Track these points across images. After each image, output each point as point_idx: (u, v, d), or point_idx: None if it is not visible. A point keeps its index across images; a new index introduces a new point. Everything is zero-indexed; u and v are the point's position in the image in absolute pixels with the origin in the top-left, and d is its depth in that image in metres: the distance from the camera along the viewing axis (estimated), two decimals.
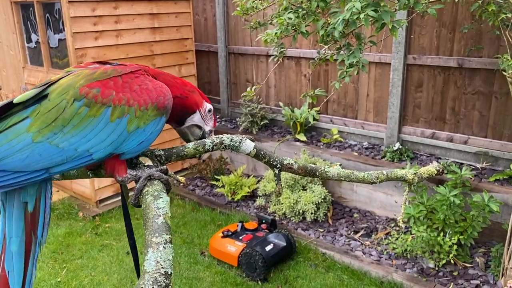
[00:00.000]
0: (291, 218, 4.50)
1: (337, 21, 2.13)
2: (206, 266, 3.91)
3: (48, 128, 0.94)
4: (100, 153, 0.99)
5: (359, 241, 4.15)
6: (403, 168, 4.14)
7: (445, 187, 3.64)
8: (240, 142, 1.18)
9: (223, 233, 4.03)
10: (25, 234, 0.97)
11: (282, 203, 4.48)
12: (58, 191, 5.23)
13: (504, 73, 3.28)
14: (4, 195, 0.98)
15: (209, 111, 1.28)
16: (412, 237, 3.88)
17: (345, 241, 4.17)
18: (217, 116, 6.46)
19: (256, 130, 5.62)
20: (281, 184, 1.23)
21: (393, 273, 3.66)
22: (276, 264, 3.84)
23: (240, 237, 3.97)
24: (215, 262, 3.95)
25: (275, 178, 1.20)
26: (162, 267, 0.83)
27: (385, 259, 3.87)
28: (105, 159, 1.03)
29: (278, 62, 2.94)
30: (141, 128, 1.03)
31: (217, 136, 1.24)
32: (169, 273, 0.82)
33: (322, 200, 4.41)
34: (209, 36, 6.40)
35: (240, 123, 5.74)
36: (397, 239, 3.97)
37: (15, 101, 0.97)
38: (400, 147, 4.63)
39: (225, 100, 6.35)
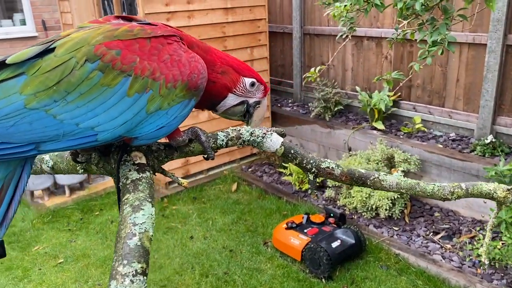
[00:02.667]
0: (363, 214, 4.16)
1: None
2: (268, 258, 3.74)
3: (47, 92, 0.75)
4: (107, 134, 0.79)
5: (438, 244, 3.71)
6: (495, 166, 3.62)
7: None
8: (263, 137, 0.94)
9: (287, 224, 3.82)
10: None
11: (353, 197, 4.16)
12: None
13: None
14: None
15: (252, 85, 1.02)
16: (502, 243, 3.38)
17: (422, 242, 3.76)
18: (290, 101, 6.21)
19: (329, 116, 5.29)
20: (316, 194, 0.96)
21: (477, 284, 3.22)
22: (342, 262, 3.56)
23: (305, 230, 3.73)
24: (278, 254, 3.76)
25: (309, 185, 0.94)
26: None
27: (468, 267, 3.42)
28: (111, 142, 0.84)
29: (347, 41, 2.61)
30: (164, 109, 0.83)
31: (234, 128, 1.00)
32: None
33: (399, 196, 4.02)
34: (284, 17, 6.12)
35: (313, 109, 5.44)
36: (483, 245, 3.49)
37: (8, 60, 0.78)
38: (494, 140, 4.05)
39: (298, 84, 6.06)
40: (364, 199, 4.08)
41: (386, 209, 4.01)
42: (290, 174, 4.85)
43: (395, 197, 4.01)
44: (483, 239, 3.54)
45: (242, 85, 1.02)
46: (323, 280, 3.43)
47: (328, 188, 4.49)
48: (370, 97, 4.97)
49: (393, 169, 4.01)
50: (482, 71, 4.15)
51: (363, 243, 3.66)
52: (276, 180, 5.00)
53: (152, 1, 4.35)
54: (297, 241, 3.65)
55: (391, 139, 4.53)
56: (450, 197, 0.90)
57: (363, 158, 4.35)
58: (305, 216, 3.88)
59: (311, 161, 0.94)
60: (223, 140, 0.98)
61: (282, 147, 0.93)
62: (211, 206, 4.57)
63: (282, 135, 1.01)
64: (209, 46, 1.01)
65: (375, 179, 0.93)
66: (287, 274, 3.53)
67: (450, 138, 4.45)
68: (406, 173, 4.32)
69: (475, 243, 3.58)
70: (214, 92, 0.98)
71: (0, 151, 0.74)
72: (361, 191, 4.11)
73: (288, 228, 3.79)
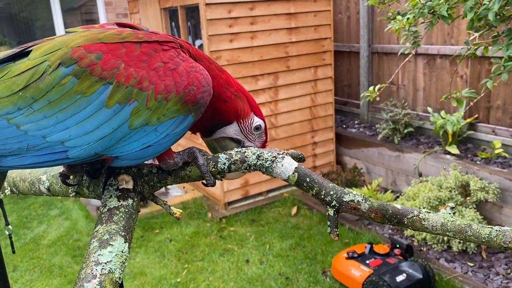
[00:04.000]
0: (433, 246, 3.80)
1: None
2: None
3: (11, 98, 0.65)
4: (80, 151, 0.68)
5: None
6: None
7: None
8: (272, 161, 0.78)
9: (348, 254, 3.58)
10: None
11: None
12: (193, 189, 5.39)
13: None
14: None
15: (257, 128, 0.91)
16: None
17: (502, 282, 3.34)
18: (356, 122, 5.97)
19: (398, 139, 4.98)
20: (336, 232, 0.78)
21: None
22: None
23: (367, 261, 3.47)
24: (337, 286, 3.53)
25: (329, 222, 0.77)
26: None
27: None
28: (88, 160, 0.73)
29: (417, 59, 2.40)
30: (152, 125, 0.72)
31: (238, 150, 0.86)
32: None
33: None
34: (352, 36, 5.94)
35: (380, 130, 5.16)
36: None
37: None
38: None
39: (365, 104, 5.81)
40: None
41: (460, 242, 3.63)
42: None
43: None
44: None
45: (249, 122, 0.91)
46: None
47: None
48: (443, 118, 4.61)
49: (441, 206, 3.63)
50: None
51: (432, 278, 3.32)
52: None
53: (215, 23, 4.40)
54: (358, 272, 3.39)
55: (467, 165, 4.14)
56: (510, 245, 0.70)
57: (435, 185, 4.00)
58: (368, 246, 3.62)
59: (331, 192, 0.77)
60: (224, 164, 0.84)
61: (296, 174, 0.78)
62: (269, 229, 4.44)
63: (300, 159, 0.85)
64: (226, 71, 0.91)
65: (414, 218, 0.75)
66: None
67: None
68: (482, 203, 3.91)
69: None
70: (223, 112, 0.86)
71: None
72: None
73: (349, 258, 3.55)
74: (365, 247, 3.62)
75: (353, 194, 0.78)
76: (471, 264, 3.57)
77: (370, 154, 5.20)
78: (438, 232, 0.75)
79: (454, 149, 4.40)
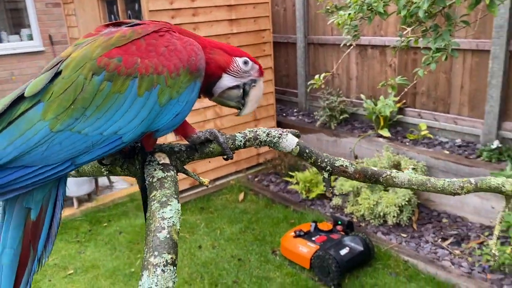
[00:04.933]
0: (370, 221, 4.16)
1: None
2: (276, 266, 3.74)
3: (67, 113, 0.78)
4: (130, 134, 0.83)
5: (447, 250, 3.71)
6: (502, 171, 3.62)
7: None
8: (279, 138, 0.96)
9: (295, 232, 3.83)
10: (22, 246, 0.81)
11: (361, 204, 4.16)
12: None
13: None
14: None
15: (245, 62, 1.04)
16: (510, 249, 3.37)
17: (431, 248, 3.75)
18: (295, 110, 6.25)
19: (335, 124, 5.32)
20: (331, 191, 0.98)
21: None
22: (351, 269, 3.55)
23: (313, 238, 3.74)
24: (286, 263, 3.76)
25: (324, 182, 0.96)
26: None
27: (478, 272, 3.41)
28: (138, 140, 0.89)
29: (352, 50, 2.65)
30: (175, 98, 0.87)
31: (250, 129, 1.03)
32: None
33: (406, 203, 4.02)
34: (288, 27, 6.19)
35: (318, 118, 5.47)
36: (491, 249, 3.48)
37: (26, 93, 0.80)
38: (500, 145, 4.06)
39: (303, 93, 6.11)
40: (372, 206, 4.09)
41: (394, 216, 4.01)
42: (297, 183, 4.86)
43: (403, 204, 4.01)
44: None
45: (235, 65, 1.04)
46: (333, 287, 3.42)
47: (335, 196, 4.50)
48: (375, 104, 5.00)
49: (404, 168, 4.02)
50: (486, 77, 4.17)
51: (372, 250, 3.66)
52: (283, 189, 5.01)
53: (157, 14, 4.42)
54: (306, 249, 3.65)
55: (397, 146, 4.54)
56: (460, 192, 0.91)
57: (370, 165, 4.35)
58: (313, 224, 3.89)
59: (326, 160, 0.96)
60: (241, 141, 1.02)
61: (298, 146, 0.96)
62: (219, 216, 4.58)
63: (297, 135, 1.03)
64: (197, 35, 1.05)
65: (387, 176, 0.95)
66: (296, 282, 3.53)
67: (456, 144, 4.46)
68: None
69: (484, 248, 3.57)
70: (210, 72, 1.00)
71: (43, 174, 0.78)
72: (368, 199, 4.12)
73: (296, 236, 3.80)
74: (311, 226, 3.88)
75: (342, 160, 0.96)
76: (404, 235, 3.97)
77: (309, 140, 5.49)
78: (405, 186, 0.94)
79: (386, 132, 4.80)
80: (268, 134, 0.98)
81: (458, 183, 0.92)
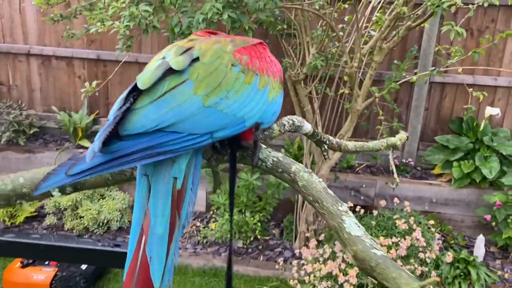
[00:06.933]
0: (95, 231, 4.16)
1: (197, 19, 2.21)
2: None
3: (215, 92, 0.89)
4: (251, 121, 0.96)
5: None
6: None
7: (246, 173, 4.13)
8: (302, 122, 1.20)
9: (22, 262, 3.40)
10: (170, 214, 0.85)
11: (83, 216, 4.09)
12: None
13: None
14: (151, 168, 0.86)
15: None
16: (214, 224, 4.23)
17: None
18: None
19: (24, 140, 4.86)
20: (324, 156, 1.26)
21: (212, 260, 3.92)
22: (96, 280, 3.52)
23: (46, 262, 3.44)
24: None
25: (323, 153, 1.24)
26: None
27: (201, 249, 4.09)
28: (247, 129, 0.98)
29: (32, 59, 2.71)
30: (275, 99, 1.04)
31: (289, 117, 1.23)
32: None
33: (127, 206, 4.26)
34: None
35: (0, 134, 4.83)
36: (205, 227, 4.25)
37: (175, 66, 0.87)
38: None
39: None
40: (95, 216, 4.10)
41: (117, 221, 4.18)
42: None
43: (123, 207, 4.23)
44: (202, 223, 4.29)
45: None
46: None
47: (48, 215, 4.20)
48: (70, 116, 4.92)
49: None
50: None
51: None
52: None
53: None
54: (42, 275, 3.33)
55: None
56: (382, 148, 1.38)
57: None
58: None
59: (325, 137, 1.26)
60: (287, 127, 1.20)
61: (312, 130, 1.21)
62: None
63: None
64: None
65: (344, 146, 1.28)
66: None
67: None
68: (125, 184, 4.59)
69: (195, 230, 4.29)
70: None
71: (189, 141, 0.86)
72: (90, 209, 4.11)
73: (24, 266, 3.39)
74: None
75: (332, 138, 1.26)
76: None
77: None
78: (353, 150, 1.31)
79: (87, 143, 4.83)
80: (298, 120, 1.20)
81: (380, 143, 1.37)
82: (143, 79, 0.86)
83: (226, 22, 2.21)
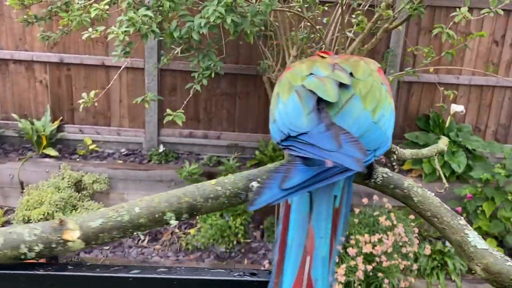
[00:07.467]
0: None
1: (199, 23, 2.16)
2: None
3: (378, 108, 0.87)
4: (390, 141, 0.91)
5: (150, 248, 4.09)
6: (182, 167, 4.33)
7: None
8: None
9: None
10: (331, 234, 0.81)
11: None
12: None
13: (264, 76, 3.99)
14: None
15: None
16: (197, 230, 4.16)
17: (137, 251, 4.02)
18: None
19: None
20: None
21: (195, 266, 3.84)
22: None
23: None
24: None
25: (392, 162, 1.20)
26: None
27: (183, 256, 4.00)
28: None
29: None
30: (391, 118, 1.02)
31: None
32: None
33: None
34: None
35: None
36: (187, 234, 4.17)
37: (342, 81, 0.87)
38: (164, 148, 4.78)
39: None
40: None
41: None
42: None
43: None
44: (183, 230, 4.19)
45: None
46: None
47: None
48: (32, 123, 4.64)
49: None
50: (143, 91, 4.77)
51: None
52: None
53: None
54: None
55: (71, 164, 4.45)
56: (434, 155, 1.36)
57: (52, 187, 4.08)
58: None
59: (393, 147, 1.21)
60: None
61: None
62: None
63: None
64: None
65: (401, 153, 1.24)
66: None
67: (123, 154, 4.84)
68: (96, 194, 4.40)
69: (175, 237, 4.19)
70: None
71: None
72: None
73: None
74: None
75: (398, 147, 1.23)
76: (107, 247, 4.03)
77: None
78: (409, 158, 1.28)
79: (52, 151, 4.57)
80: None
81: (431, 150, 1.34)
82: (328, 93, 0.85)
83: (229, 26, 2.17)
